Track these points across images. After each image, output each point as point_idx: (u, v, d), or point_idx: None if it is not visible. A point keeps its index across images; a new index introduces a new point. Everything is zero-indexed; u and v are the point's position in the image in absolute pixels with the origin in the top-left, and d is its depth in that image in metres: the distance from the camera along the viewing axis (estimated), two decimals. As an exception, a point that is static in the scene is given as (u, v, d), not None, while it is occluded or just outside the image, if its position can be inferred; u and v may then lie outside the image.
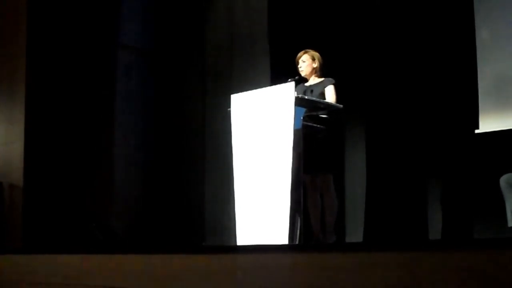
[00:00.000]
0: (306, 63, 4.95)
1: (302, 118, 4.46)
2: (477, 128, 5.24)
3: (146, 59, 7.57)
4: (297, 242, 4.25)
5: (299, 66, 4.97)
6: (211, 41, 7.35)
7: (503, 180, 4.57)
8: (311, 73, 4.96)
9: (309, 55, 4.96)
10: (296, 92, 4.51)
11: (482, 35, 5.36)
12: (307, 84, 4.97)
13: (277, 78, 5.43)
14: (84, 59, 7.34)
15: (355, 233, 5.74)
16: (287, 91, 4.35)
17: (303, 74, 4.96)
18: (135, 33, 7.48)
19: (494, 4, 5.39)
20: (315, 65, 4.95)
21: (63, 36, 7.28)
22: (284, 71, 5.21)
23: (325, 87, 4.84)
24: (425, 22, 5.59)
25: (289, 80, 4.42)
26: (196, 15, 7.48)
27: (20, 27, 7.15)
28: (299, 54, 4.99)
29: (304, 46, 5.09)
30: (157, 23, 7.68)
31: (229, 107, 4.69)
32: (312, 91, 4.85)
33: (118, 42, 7.36)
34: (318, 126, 4.69)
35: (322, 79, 4.93)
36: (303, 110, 4.50)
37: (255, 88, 4.62)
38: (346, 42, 6.02)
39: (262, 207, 4.35)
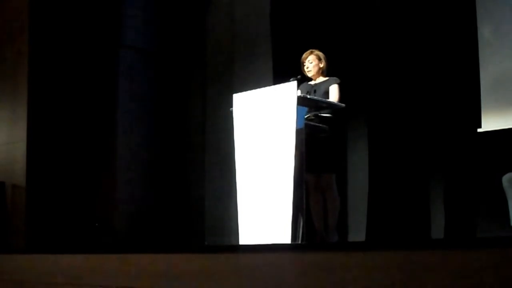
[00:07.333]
0: (313, 63, 4.93)
1: (304, 117, 4.46)
2: (480, 127, 5.23)
3: (148, 59, 7.58)
4: (299, 242, 4.25)
5: (306, 67, 4.95)
6: (213, 40, 7.35)
7: (506, 179, 4.57)
8: (317, 73, 4.95)
9: (315, 55, 4.94)
10: (300, 91, 4.50)
11: (484, 34, 5.35)
12: (312, 83, 4.96)
13: (279, 77, 5.41)
14: (86, 59, 7.35)
15: (357, 233, 5.74)
16: (289, 90, 4.33)
17: (310, 74, 4.95)
18: (137, 33, 7.49)
19: (496, 3, 5.38)
20: (322, 65, 4.95)
21: (65, 36, 7.29)
22: (286, 70, 5.20)
23: (329, 86, 4.84)
24: (427, 21, 5.58)
25: (292, 79, 4.40)
26: (198, 14, 7.49)
27: (23, 27, 7.16)
28: (304, 55, 4.97)
29: (307, 45, 5.07)
30: (159, 23, 7.68)
31: (231, 106, 4.69)
32: (315, 90, 4.85)
33: (120, 42, 7.36)
34: (321, 125, 4.68)
35: (327, 78, 4.93)
36: (306, 109, 4.50)
37: (258, 88, 4.61)
38: (348, 41, 6.01)
39: (264, 207, 4.34)
